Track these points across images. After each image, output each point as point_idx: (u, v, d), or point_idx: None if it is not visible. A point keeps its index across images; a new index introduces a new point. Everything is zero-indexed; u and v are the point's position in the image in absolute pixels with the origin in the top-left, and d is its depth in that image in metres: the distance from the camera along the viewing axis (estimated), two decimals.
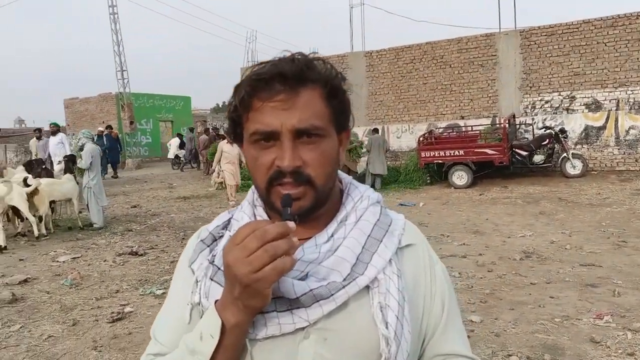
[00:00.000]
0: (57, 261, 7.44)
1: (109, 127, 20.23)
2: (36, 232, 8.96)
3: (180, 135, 24.95)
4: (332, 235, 0.92)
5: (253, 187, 1.00)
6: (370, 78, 17.77)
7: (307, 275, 0.87)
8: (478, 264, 6.51)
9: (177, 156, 24.10)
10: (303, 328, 0.85)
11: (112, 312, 5.18)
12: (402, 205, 11.42)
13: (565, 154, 13.69)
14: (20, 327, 4.92)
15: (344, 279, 0.87)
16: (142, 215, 11.45)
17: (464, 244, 7.58)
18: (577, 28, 14.56)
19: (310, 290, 0.84)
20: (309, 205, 0.88)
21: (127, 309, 5.28)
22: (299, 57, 0.90)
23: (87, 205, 9.94)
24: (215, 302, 0.83)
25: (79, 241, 8.81)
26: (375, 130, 15.14)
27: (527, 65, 15.27)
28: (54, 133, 13.57)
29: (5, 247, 8.23)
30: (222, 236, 0.99)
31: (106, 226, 9.97)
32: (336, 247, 0.90)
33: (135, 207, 12.66)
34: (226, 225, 1.01)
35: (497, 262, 6.54)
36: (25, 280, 6.41)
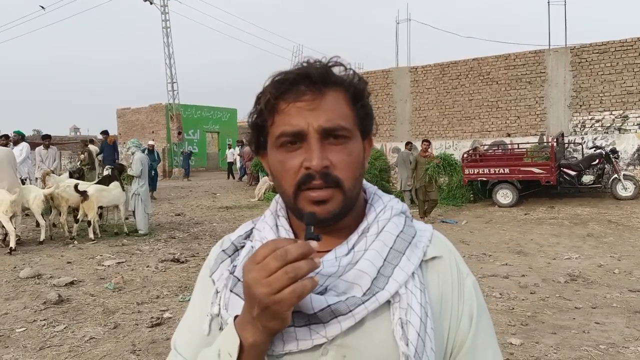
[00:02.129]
0: (103, 265, 7.67)
1: (105, 132, 17.05)
2: (42, 237, 9.28)
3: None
4: (352, 248, 0.89)
5: (277, 197, 1.00)
6: (414, 93, 17.67)
7: (326, 289, 0.84)
8: (520, 285, 6.33)
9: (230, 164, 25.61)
10: (321, 344, 0.83)
11: (152, 317, 5.30)
12: (444, 222, 11.26)
13: (616, 175, 13.21)
14: (64, 328, 5.09)
15: (364, 294, 0.84)
16: (185, 223, 11.69)
17: (506, 264, 7.39)
18: (632, 45, 14.09)
19: (328, 305, 0.81)
20: (337, 210, 0.86)
21: (166, 315, 5.39)
22: (319, 62, 0.89)
23: (134, 211, 10.24)
24: (235, 318, 0.81)
25: (124, 246, 9.07)
26: (409, 144, 14.89)
27: (578, 83, 14.87)
28: (15, 142, 12.69)
29: (15, 249, 8.52)
30: (243, 246, 0.97)
31: (150, 233, 10.24)
32: (357, 260, 0.87)
33: (179, 215, 12.94)
34: (248, 235, 0.99)
35: (540, 284, 6.35)
36: (72, 283, 6.64)
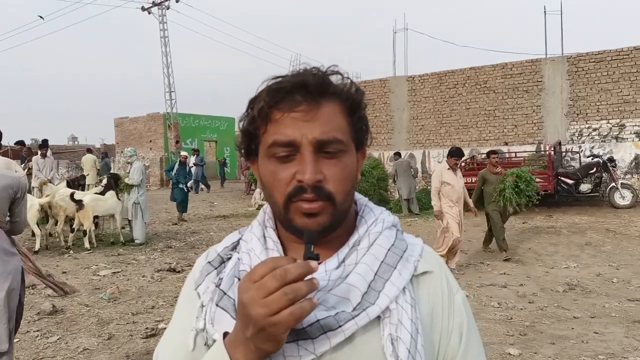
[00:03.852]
0: (98, 275, 7.62)
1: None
2: (37, 247, 9.24)
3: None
4: (343, 261, 0.86)
5: (264, 207, 0.97)
6: (412, 102, 17.70)
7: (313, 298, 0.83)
8: (518, 295, 6.30)
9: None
10: None
11: (147, 328, 5.24)
12: None
13: (613, 184, 13.22)
14: (58, 339, 5.04)
15: (354, 309, 0.81)
16: (182, 232, 11.64)
17: (504, 273, 7.36)
18: (628, 55, 14.15)
19: (318, 320, 0.78)
20: (327, 223, 0.84)
21: (161, 326, 5.33)
22: (317, 70, 0.86)
23: (129, 221, 10.19)
24: (224, 337, 0.78)
25: (120, 256, 9.01)
26: (398, 154, 15.00)
27: (575, 92, 14.91)
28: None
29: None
30: (230, 258, 0.94)
31: (147, 242, 10.18)
32: (347, 274, 0.84)
33: (175, 224, 12.88)
34: (235, 246, 0.96)
35: (538, 294, 6.31)
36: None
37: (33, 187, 12.31)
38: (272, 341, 0.71)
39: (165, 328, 5.27)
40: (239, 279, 0.86)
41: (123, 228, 10.44)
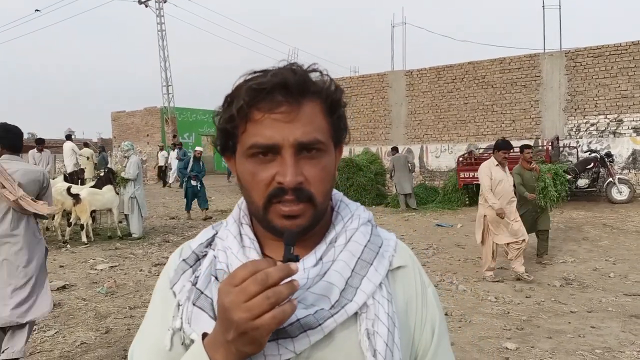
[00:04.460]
0: (95, 269, 7.61)
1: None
2: None
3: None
4: (320, 259, 0.86)
5: (239, 202, 0.96)
6: (410, 97, 17.68)
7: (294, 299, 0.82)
8: (515, 289, 6.31)
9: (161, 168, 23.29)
10: (288, 359, 0.81)
11: None
12: (439, 225, 11.23)
13: (611, 179, 13.23)
14: (55, 333, 5.03)
15: (332, 306, 0.82)
16: (180, 227, 11.63)
17: (501, 267, 7.37)
18: (626, 50, 14.14)
19: (298, 320, 0.79)
20: (307, 224, 0.83)
21: None
22: (297, 67, 0.84)
23: (126, 215, 10.17)
24: (203, 338, 0.77)
25: (118, 250, 9.00)
26: (395, 149, 14.98)
27: (573, 87, 14.90)
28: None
29: None
30: (205, 255, 0.92)
31: (144, 236, 10.17)
32: (325, 271, 0.85)
33: (173, 218, 12.88)
34: (210, 243, 0.95)
35: (535, 288, 6.33)
36: (64, 287, 6.58)
37: None
38: (254, 344, 0.71)
39: None
40: (216, 278, 0.86)
41: (120, 222, 10.42)
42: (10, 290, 3.57)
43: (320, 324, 0.80)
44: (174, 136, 27.53)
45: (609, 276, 6.75)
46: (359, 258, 0.87)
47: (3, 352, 3.61)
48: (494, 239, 6.71)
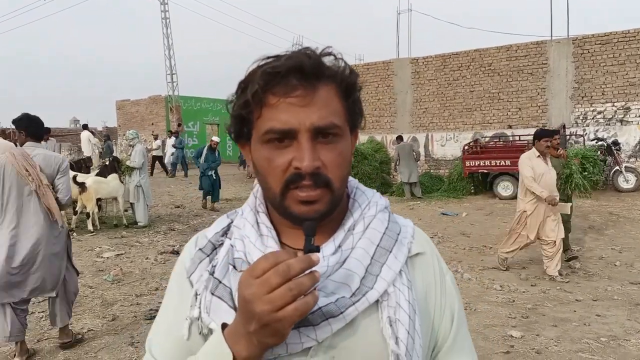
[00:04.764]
0: (102, 257, 7.65)
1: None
2: None
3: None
4: (339, 246, 0.86)
5: (254, 191, 0.95)
6: (415, 85, 17.58)
7: (315, 289, 0.81)
8: (521, 278, 6.31)
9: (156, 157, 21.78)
10: (310, 347, 0.80)
11: (150, 310, 5.27)
12: (444, 214, 11.22)
13: (617, 167, 13.17)
14: None
15: (353, 294, 0.82)
16: (185, 215, 11.66)
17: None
18: (634, 37, 13.99)
19: (319, 308, 0.78)
20: (325, 210, 0.83)
21: None
22: (311, 51, 0.83)
23: (132, 204, 10.20)
24: (223, 329, 0.77)
25: (124, 238, 9.04)
26: (400, 138, 14.91)
27: (580, 75, 14.78)
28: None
29: None
30: (221, 244, 0.92)
31: (150, 225, 10.21)
32: (344, 259, 0.84)
33: (178, 207, 12.91)
34: (226, 232, 0.94)
35: (541, 277, 6.32)
36: None
37: None
38: (276, 336, 0.71)
39: None
40: (234, 267, 0.86)
41: (126, 211, 10.46)
42: (43, 263, 4.03)
43: (341, 312, 0.79)
44: (179, 124, 27.53)
45: (615, 265, 6.73)
46: (377, 245, 0.87)
47: (52, 325, 4.32)
48: (528, 234, 6.27)
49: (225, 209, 12.42)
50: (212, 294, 0.85)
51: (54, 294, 4.19)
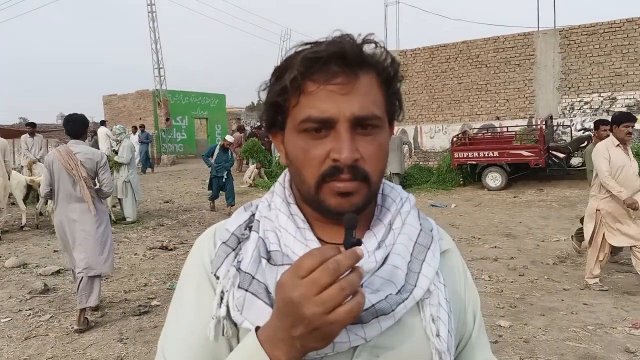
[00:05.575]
0: None
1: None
2: (23, 221, 9.61)
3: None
4: (382, 241, 0.83)
5: (282, 180, 0.91)
6: (404, 77, 17.57)
7: (362, 286, 0.76)
8: (509, 268, 6.35)
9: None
10: (356, 346, 0.77)
11: (139, 306, 5.25)
12: (433, 206, 11.27)
13: None
14: (50, 317, 5.04)
15: (399, 291, 0.79)
16: (174, 210, 11.61)
17: (495, 246, 7.41)
18: (620, 27, 14.08)
19: (372, 305, 0.75)
20: (361, 203, 0.79)
21: (154, 302, 5.34)
22: (352, 38, 0.79)
23: (120, 199, 10.13)
24: (257, 331, 0.71)
25: (112, 234, 8.96)
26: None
27: (566, 65, 14.86)
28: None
29: (0, 237, 8.57)
30: (247, 238, 0.85)
31: (139, 220, 10.15)
32: (387, 255, 0.82)
33: (167, 202, 12.84)
34: (249, 225, 0.87)
35: (529, 266, 6.37)
36: (58, 272, 6.57)
37: (22, 166, 12.24)
38: (325, 340, 0.66)
39: (158, 305, 5.29)
40: (268, 260, 0.80)
41: (114, 207, 10.38)
42: (89, 245, 4.68)
43: (393, 310, 0.77)
44: (167, 119, 27.38)
45: None
46: (415, 242, 0.85)
47: (81, 301, 4.64)
48: (608, 239, 5.32)
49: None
50: (246, 290, 0.79)
51: (92, 273, 4.66)
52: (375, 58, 0.80)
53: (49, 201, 9.47)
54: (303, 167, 0.79)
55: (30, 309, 5.24)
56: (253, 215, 0.89)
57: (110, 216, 5.09)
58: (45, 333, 4.66)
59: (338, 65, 0.76)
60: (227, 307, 0.80)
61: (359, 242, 0.69)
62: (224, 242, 0.85)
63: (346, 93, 0.76)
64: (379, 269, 0.80)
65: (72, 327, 4.71)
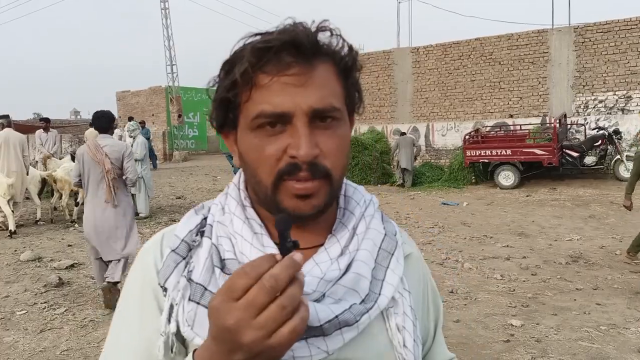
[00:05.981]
0: None
1: None
2: (38, 216, 9.75)
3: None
4: (346, 247, 0.77)
5: (237, 181, 0.85)
6: (416, 74, 17.53)
7: (324, 295, 0.72)
8: (521, 267, 6.32)
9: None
10: None
11: None
12: (445, 204, 11.23)
13: (618, 156, 13.14)
14: (65, 310, 5.10)
15: (363, 300, 0.74)
16: (186, 206, 11.67)
17: (507, 245, 7.37)
18: (636, 25, 13.91)
19: (336, 316, 0.70)
20: (322, 204, 0.73)
21: None
22: (305, 26, 0.72)
23: (133, 195, 10.20)
24: (194, 354, 0.65)
25: None
26: (402, 134, 15.10)
27: (581, 63, 14.71)
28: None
29: (15, 231, 8.62)
30: (199, 244, 0.78)
31: (151, 216, 10.23)
32: (350, 262, 0.76)
33: (179, 198, 12.93)
34: (200, 230, 0.80)
35: (541, 266, 6.34)
36: (72, 266, 6.65)
37: (36, 161, 12.36)
38: None
39: None
40: (221, 269, 0.74)
41: None
42: (116, 233, 5.08)
43: (357, 321, 0.72)
44: (179, 116, 27.52)
45: (616, 253, 6.74)
46: (380, 247, 0.80)
47: (106, 278, 5.03)
48: None
49: None
50: (198, 302, 0.72)
51: (118, 257, 5.06)
52: (331, 47, 0.74)
53: (63, 196, 9.63)
54: (258, 166, 0.73)
55: (45, 302, 5.31)
56: (205, 218, 0.82)
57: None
58: (60, 326, 4.72)
59: (291, 55, 0.70)
60: (177, 322, 0.74)
61: (295, 245, 0.60)
62: (172, 250, 0.78)
63: (302, 84, 0.70)
64: (341, 277, 0.74)
65: (99, 313, 4.75)
